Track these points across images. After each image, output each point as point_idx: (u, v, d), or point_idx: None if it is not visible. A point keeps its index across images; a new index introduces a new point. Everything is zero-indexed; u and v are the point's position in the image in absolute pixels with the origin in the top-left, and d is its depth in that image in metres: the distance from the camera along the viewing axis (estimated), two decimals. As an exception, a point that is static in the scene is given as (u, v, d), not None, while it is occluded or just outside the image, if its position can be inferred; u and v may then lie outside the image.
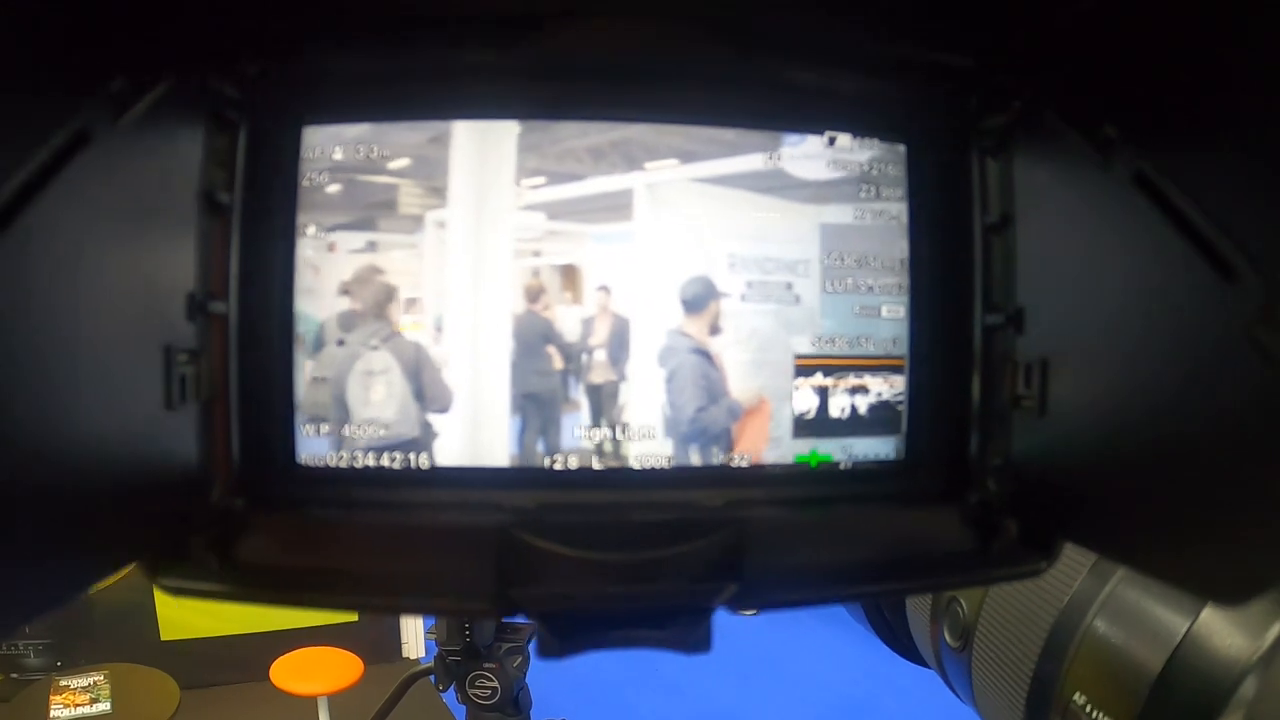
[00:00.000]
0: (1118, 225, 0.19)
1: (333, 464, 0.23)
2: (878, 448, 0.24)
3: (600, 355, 0.23)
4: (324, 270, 0.22)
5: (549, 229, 0.22)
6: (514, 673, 0.44)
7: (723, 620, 0.20)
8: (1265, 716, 0.27)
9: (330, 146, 0.22)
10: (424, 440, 0.22)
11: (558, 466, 0.22)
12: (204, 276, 0.21)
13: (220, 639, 2.15)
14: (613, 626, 0.20)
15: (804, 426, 0.24)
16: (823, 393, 0.23)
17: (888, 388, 0.24)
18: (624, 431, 0.23)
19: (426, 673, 0.49)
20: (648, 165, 0.23)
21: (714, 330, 0.23)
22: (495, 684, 0.42)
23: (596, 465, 0.23)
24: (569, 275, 0.22)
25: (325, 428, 0.22)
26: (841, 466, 0.24)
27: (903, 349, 0.24)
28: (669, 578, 0.20)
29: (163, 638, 2.16)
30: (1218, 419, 0.17)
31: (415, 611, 0.33)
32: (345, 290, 0.22)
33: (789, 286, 0.23)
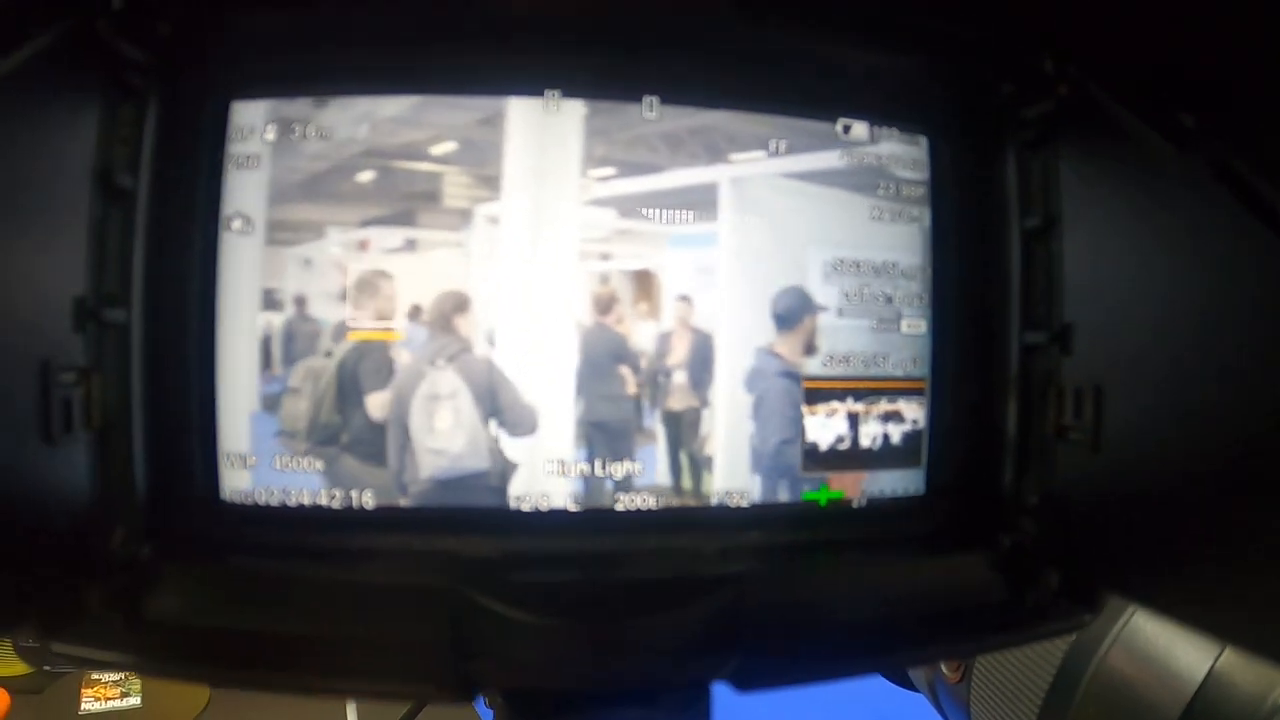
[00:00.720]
0: (1193, 225, 0.16)
1: (262, 502, 0.19)
2: (895, 483, 0.21)
3: (680, 377, 0.19)
4: (352, 270, 0.19)
5: (619, 228, 0.19)
6: None
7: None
8: None
9: (353, 124, 0.19)
10: (497, 472, 0.19)
11: (620, 507, 0.19)
12: (97, 278, 0.17)
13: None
14: (593, 707, 0.17)
15: (813, 459, 0.21)
16: (853, 420, 0.20)
17: (907, 413, 0.21)
18: (707, 466, 0.19)
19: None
20: (733, 157, 0.19)
21: (809, 350, 0.20)
22: None
23: (675, 504, 0.19)
24: (643, 282, 0.19)
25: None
26: (854, 504, 0.21)
27: (924, 369, 0.21)
28: (661, 651, 0.17)
29: None
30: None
31: (356, 697, 0.28)
32: (413, 307, 0.19)
33: (888, 299, 0.20)
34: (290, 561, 0.19)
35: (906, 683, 0.45)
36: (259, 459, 0.19)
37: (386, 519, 0.19)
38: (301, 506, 0.19)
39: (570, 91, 0.19)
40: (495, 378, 0.19)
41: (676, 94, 0.19)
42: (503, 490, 0.19)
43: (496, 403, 0.19)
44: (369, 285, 0.19)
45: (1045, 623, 0.19)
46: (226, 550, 0.19)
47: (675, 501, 0.20)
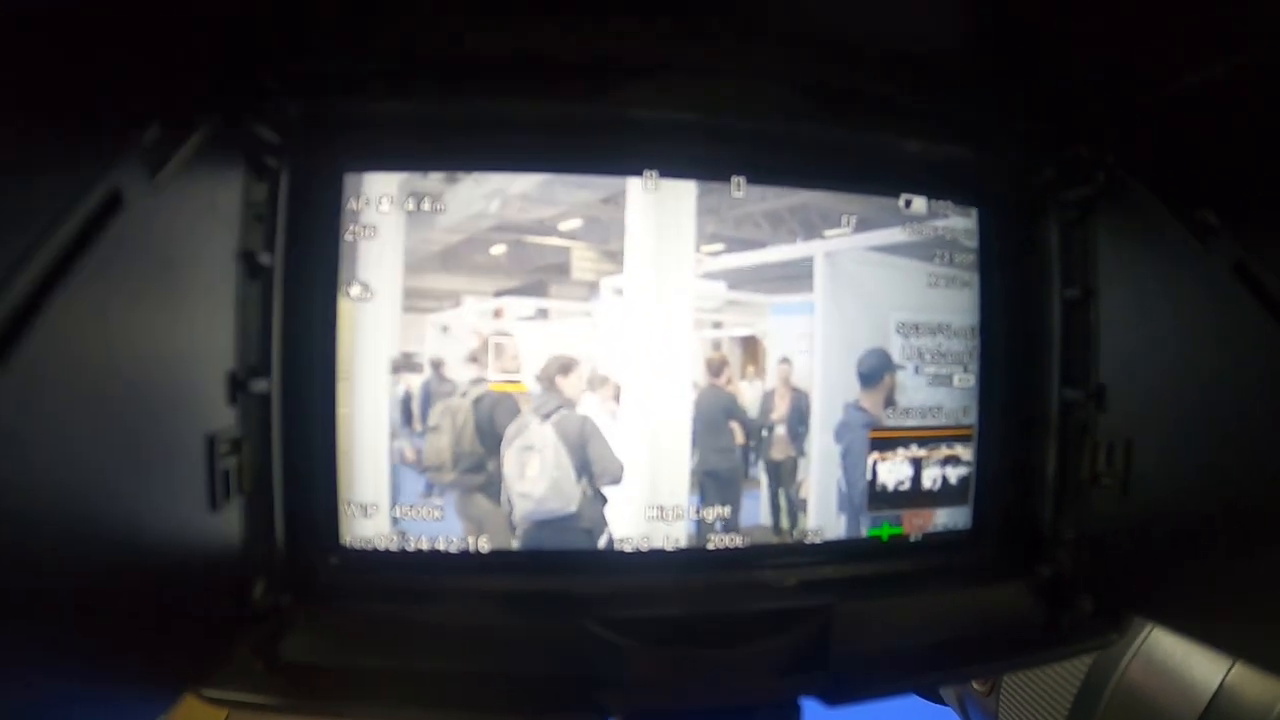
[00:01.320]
0: (1211, 309, 0.19)
1: (383, 548, 0.21)
2: (945, 518, 0.24)
3: (781, 430, 0.22)
4: (487, 335, 0.20)
5: (729, 298, 0.21)
6: None
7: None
8: None
9: (484, 201, 0.20)
10: (587, 515, 0.21)
11: (712, 545, 0.21)
12: (245, 351, 0.19)
13: None
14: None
15: (877, 498, 0.23)
16: (914, 466, 0.23)
17: (958, 456, 0.24)
18: (802, 508, 0.22)
19: None
20: (826, 233, 0.22)
21: (889, 404, 0.22)
22: None
23: (774, 540, 0.22)
24: (750, 348, 0.21)
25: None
26: (911, 539, 0.24)
27: (972, 418, 0.24)
28: (759, 672, 0.20)
29: None
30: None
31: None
32: (543, 371, 0.21)
33: (942, 355, 0.23)
34: (413, 603, 0.21)
35: (936, 697, 0.49)
36: (382, 508, 0.21)
37: (499, 562, 0.21)
38: (420, 551, 0.21)
39: (666, 172, 0.21)
40: (589, 433, 0.21)
41: (759, 175, 0.22)
42: (596, 532, 0.21)
43: (586, 455, 0.21)
44: (501, 349, 0.20)
45: (1078, 642, 0.23)
46: (354, 595, 0.21)
47: (773, 539, 0.22)
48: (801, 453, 0.22)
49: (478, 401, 0.20)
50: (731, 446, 0.22)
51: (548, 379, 0.21)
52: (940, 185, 0.23)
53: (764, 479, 0.22)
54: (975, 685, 0.39)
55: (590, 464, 0.21)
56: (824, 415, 0.22)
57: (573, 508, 0.21)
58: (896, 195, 0.23)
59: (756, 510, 0.22)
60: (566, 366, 0.21)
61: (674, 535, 0.22)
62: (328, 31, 0.19)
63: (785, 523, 0.22)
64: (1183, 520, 0.21)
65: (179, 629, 0.17)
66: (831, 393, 0.22)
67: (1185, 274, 0.20)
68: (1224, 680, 0.29)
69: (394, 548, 0.21)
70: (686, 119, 0.21)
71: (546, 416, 0.21)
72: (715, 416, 0.21)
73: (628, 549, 0.22)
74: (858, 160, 0.22)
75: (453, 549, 0.21)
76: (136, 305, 0.16)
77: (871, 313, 0.22)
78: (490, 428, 0.20)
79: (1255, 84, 0.18)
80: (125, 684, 0.16)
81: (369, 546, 0.21)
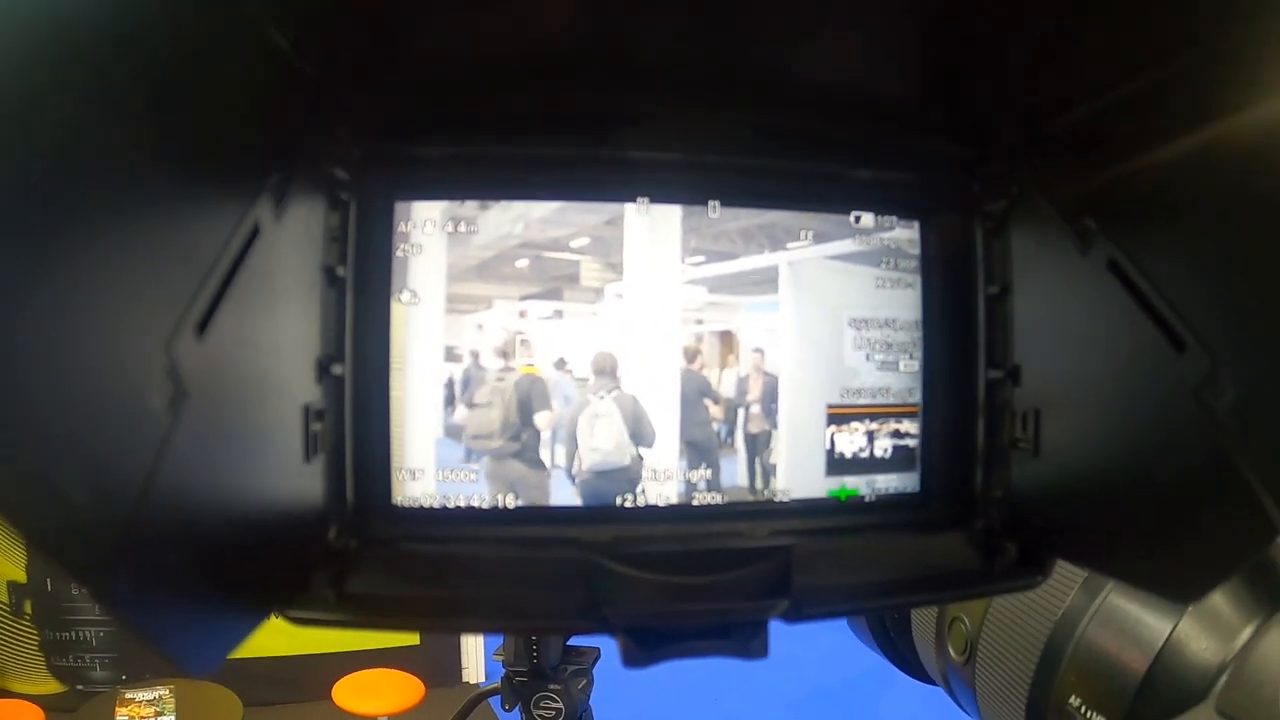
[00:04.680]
0: (1095, 301, 0.26)
1: (428, 505, 0.28)
2: (896, 483, 0.30)
3: (756, 409, 0.28)
4: (513, 331, 0.27)
5: (709, 300, 0.28)
6: (578, 694, 0.48)
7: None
8: (1231, 705, 0.33)
9: (511, 225, 0.28)
10: (634, 469, 0.28)
11: (697, 501, 0.28)
12: (326, 341, 0.26)
13: (283, 658, 2.18)
14: (686, 638, 0.25)
15: (835, 465, 0.30)
16: (868, 438, 0.29)
17: (906, 430, 0.30)
18: (773, 472, 0.29)
19: (492, 693, 0.53)
20: (789, 245, 0.28)
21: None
22: (560, 705, 0.46)
23: (678, 503, 0.28)
24: (727, 340, 0.28)
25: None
26: (866, 499, 0.30)
27: (917, 398, 0.30)
28: (732, 597, 0.26)
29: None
30: (1173, 458, 0.24)
31: (513, 631, 0.38)
32: (559, 360, 0.28)
33: (889, 346, 0.29)
34: (451, 547, 0.28)
35: (925, 676, 0.54)
36: (428, 472, 0.28)
37: (525, 515, 0.28)
38: (458, 507, 0.28)
39: (656, 199, 0.28)
40: (636, 407, 0.28)
41: (732, 199, 0.29)
42: (635, 480, 0.28)
43: (637, 423, 0.28)
44: (525, 342, 0.27)
45: (1007, 581, 0.29)
46: (405, 540, 0.27)
47: (746, 498, 0.29)
48: (774, 426, 0.29)
49: (517, 383, 0.27)
50: (707, 420, 0.28)
51: (602, 367, 0.28)
52: (886, 203, 0.30)
53: (742, 448, 0.28)
54: (953, 655, 0.45)
55: (639, 429, 0.28)
56: (790, 395, 0.28)
57: (626, 461, 0.28)
58: (848, 212, 0.30)
59: (735, 473, 0.29)
60: (614, 361, 0.28)
61: (665, 493, 0.28)
62: (388, 93, 0.26)
63: (759, 484, 0.29)
64: (1084, 476, 0.27)
65: (274, 562, 0.24)
66: (796, 376, 0.28)
67: (1075, 271, 0.26)
68: (1170, 634, 0.35)
69: (436, 505, 0.28)
70: (672, 158, 0.28)
71: (608, 393, 0.28)
72: (692, 395, 0.28)
73: (629, 505, 0.28)
74: (815, 186, 0.29)
75: (485, 505, 0.28)
76: (261, 310, 0.23)
77: (827, 311, 0.29)
78: (528, 403, 0.27)
79: (1125, 115, 0.25)
80: (232, 605, 0.22)
81: (416, 504, 0.28)
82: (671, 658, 0.25)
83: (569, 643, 0.52)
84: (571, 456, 0.28)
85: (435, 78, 0.26)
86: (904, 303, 0.30)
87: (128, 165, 0.17)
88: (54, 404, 0.14)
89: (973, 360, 0.29)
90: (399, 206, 0.28)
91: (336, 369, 0.26)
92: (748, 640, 0.26)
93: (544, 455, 0.28)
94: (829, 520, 0.29)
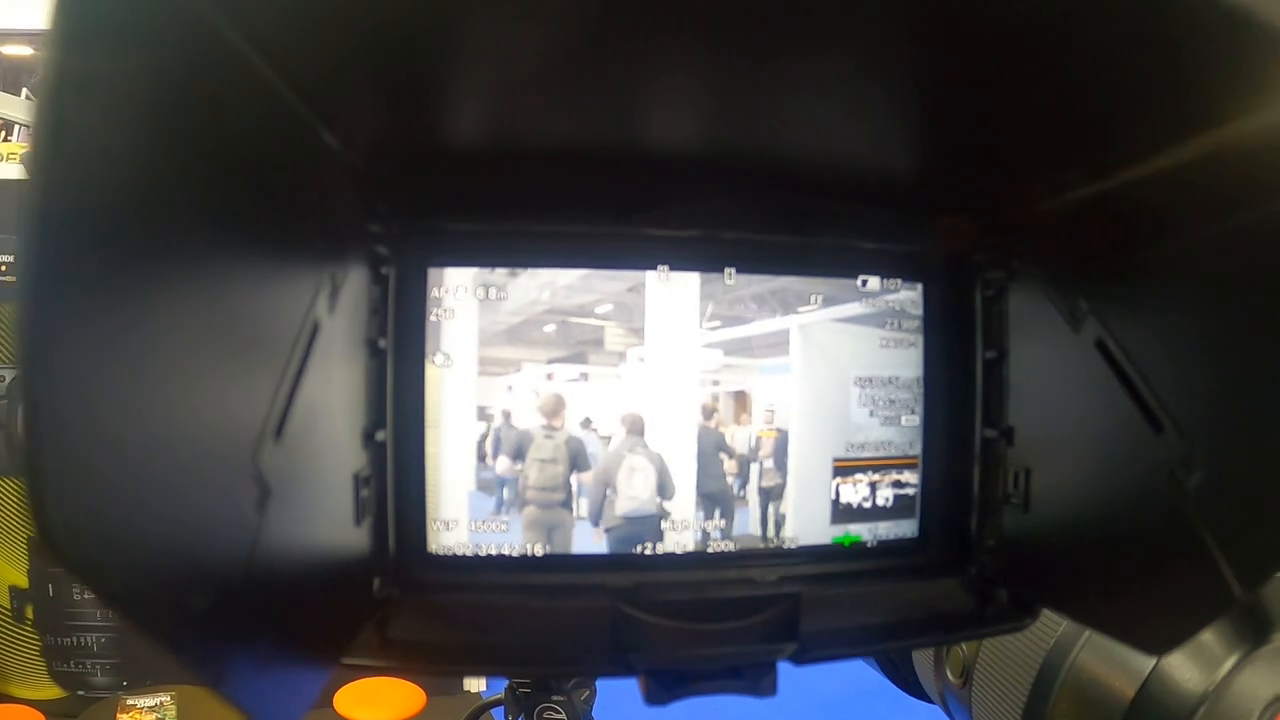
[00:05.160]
0: (1083, 374, 0.29)
1: (461, 553, 0.31)
2: (897, 529, 0.33)
3: (769, 463, 0.32)
4: (542, 393, 0.30)
5: (725, 363, 0.31)
6: (581, 706, 0.51)
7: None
8: None
9: (540, 291, 0.30)
10: (657, 518, 0.31)
11: (711, 549, 0.31)
12: (370, 410, 0.29)
13: None
14: (702, 678, 0.29)
15: (840, 514, 0.33)
16: (870, 488, 0.33)
17: (906, 481, 0.33)
18: (783, 522, 0.32)
19: (495, 704, 0.57)
20: (799, 310, 0.31)
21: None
22: (563, 716, 0.49)
23: (694, 550, 0.31)
24: (741, 400, 0.31)
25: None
26: (869, 545, 0.33)
27: (918, 450, 0.33)
28: (744, 641, 0.29)
29: None
30: (1147, 525, 0.27)
31: (543, 675, 0.42)
32: (585, 419, 0.31)
33: (892, 402, 0.32)
34: (484, 595, 0.31)
35: (923, 695, 0.58)
36: (461, 523, 0.31)
37: (553, 563, 0.31)
38: (489, 556, 0.31)
39: (675, 267, 0.31)
40: (661, 462, 0.31)
41: (746, 268, 0.31)
42: (661, 526, 0.31)
43: (662, 476, 0.31)
44: (554, 403, 0.30)
45: (998, 624, 0.32)
46: (440, 589, 0.30)
47: (758, 545, 0.32)
48: (784, 479, 0.32)
49: (568, 441, 0.30)
50: (722, 474, 0.31)
51: (633, 426, 0.31)
52: (891, 268, 0.33)
53: (755, 500, 0.32)
54: (951, 678, 0.48)
55: (664, 482, 0.31)
56: (799, 450, 0.31)
57: (653, 509, 0.31)
58: (856, 277, 0.32)
59: (747, 522, 0.32)
60: (642, 421, 0.31)
61: (683, 541, 0.32)
62: (424, 176, 0.29)
63: (770, 532, 0.32)
64: (1067, 533, 0.30)
65: (333, 616, 0.27)
66: (805, 433, 0.31)
67: (1066, 344, 0.29)
68: (1155, 665, 0.39)
69: (469, 553, 0.31)
70: (690, 234, 0.30)
71: (641, 450, 0.31)
72: (709, 451, 0.31)
73: (649, 553, 0.31)
74: (824, 255, 0.32)
75: (515, 553, 0.31)
76: (320, 396, 0.25)
77: (835, 370, 0.32)
78: (578, 461, 0.30)
79: (1119, 204, 0.28)
80: (302, 660, 0.25)
81: (450, 552, 0.31)
82: (689, 696, 0.29)
83: None
84: (600, 506, 0.31)
85: (467, 164, 0.28)
86: (907, 361, 0.33)
87: (207, 274, 0.19)
88: (160, 501, 0.17)
89: (970, 418, 0.32)
90: (432, 273, 0.31)
91: (380, 435, 0.29)
92: (758, 680, 0.29)
93: (578, 506, 0.31)
94: (834, 565, 0.32)
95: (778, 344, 0.32)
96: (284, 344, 0.23)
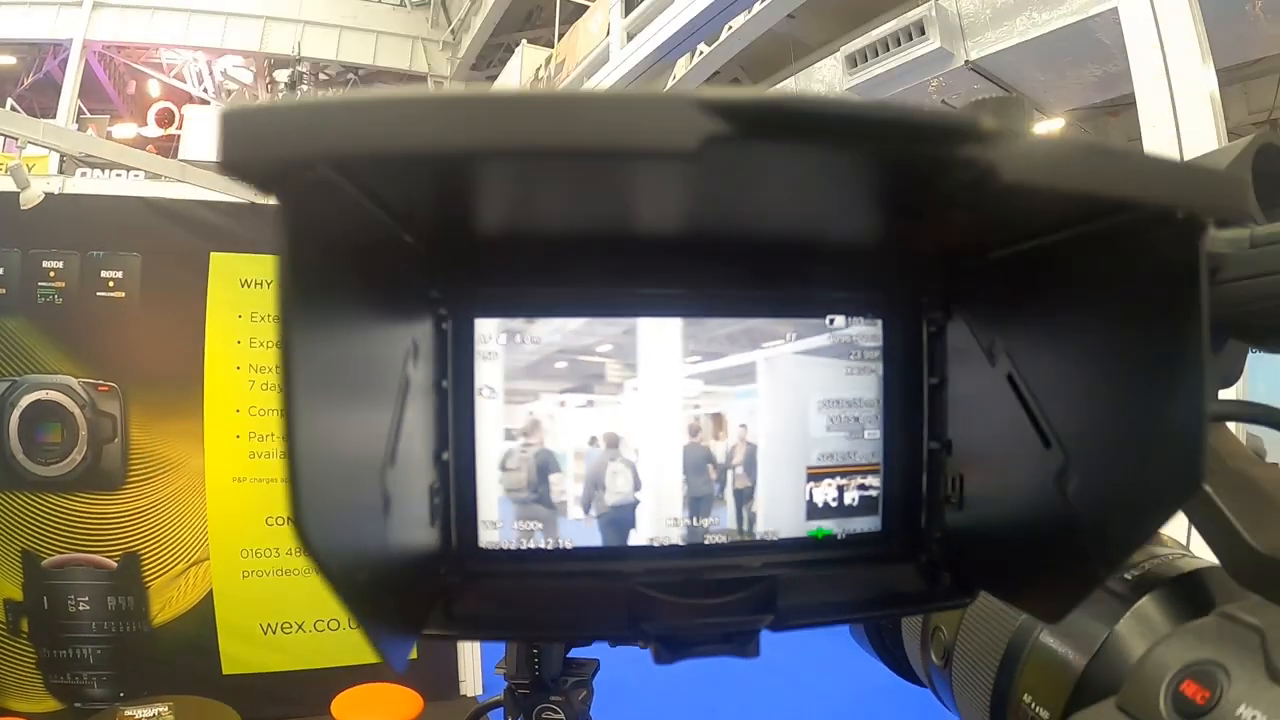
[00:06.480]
0: (998, 400, 0.39)
1: (504, 547, 0.43)
2: (862, 524, 0.44)
3: (740, 470, 0.43)
4: (558, 419, 0.42)
5: (704, 390, 0.42)
6: (579, 706, 0.61)
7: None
8: (1128, 702, 0.46)
9: (553, 336, 0.42)
10: (635, 508, 0.43)
11: (707, 541, 0.43)
12: (438, 439, 0.40)
13: (282, 674, 2.40)
14: (700, 643, 0.40)
15: (813, 511, 0.44)
16: (839, 490, 0.44)
17: (870, 484, 0.44)
18: (754, 519, 0.43)
19: (494, 706, 0.67)
20: (765, 345, 0.43)
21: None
22: (561, 716, 0.59)
23: (692, 542, 0.43)
24: (718, 420, 0.43)
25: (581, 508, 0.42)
26: (838, 537, 0.44)
27: (879, 459, 0.44)
28: (732, 613, 0.41)
29: (224, 672, 2.40)
30: (1042, 521, 0.38)
31: (574, 640, 0.56)
32: (591, 438, 0.42)
33: (857, 419, 0.43)
34: (522, 580, 0.42)
35: (914, 678, 0.70)
36: (501, 524, 0.42)
37: (576, 554, 0.43)
38: (525, 549, 0.43)
39: (662, 315, 0.42)
40: (635, 469, 0.42)
41: (722, 313, 0.42)
42: (634, 515, 0.42)
43: (636, 476, 0.42)
44: (565, 424, 0.42)
45: (944, 601, 0.43)
46: (488, 577, 0.42)
47: (737, 538, 0.43)
48: (754, 483, 0.43)
49: (537, 454, 0.42)
50: (708, 480, 0.43)
51: (611, 442, 0.42)
52: (855, 309, 0.44)
53: (730, 500, 0.43)
54: (935, 659, 0.60)
55: (637, 481, 0.43)
56: (768, 459, 0.43)
57: (631, 500, 0.42)
58: (824, 317, 0.43)
59: (725, 518, 0.43)
60: (618, 437, 0.42)
61: (680, 535, 0.43)
62: (471, 252, 0.40)
63: (745, 526, 0.43)
64: (989, 526, 0.41)
65: (416, 595, 0.39)
66: (774, 445, 0.43)
67: (986, 375, 0.40)
68: (1106, 638, 0.49)
69: (510, 547, 0.43)
70: (675, 291, 0.41)
71: (618, 459, 0.42)
72: (694, 461, 0.42)
73: (655, 545, 0.43)
74: (797, 303, 0.43)
75: (547, 546, 0.43)
76: (406, 430, 0.37)
77: (798, 394, 0.43)
78: (599, 475, 0.42)
79: (1028, 265, 0.38)
80: (404, 626, 0.37)
81: (496, 547, 0.43)
82: (690, 658, 0.40)
83: (568, 655, 0.65)
84: (591, 500, 0.42)
85: (498, 245, 0.40)
86: (868, 386, 0.44)
87: (353, 338, 0.31)
88: (343, 508, 0.29)
89: (918, 433, 0.43)
90: (477, 323, 0.42)
91: (445, 455, 0.41)
92: (745, 644, 0.40)
93: (583, 499, 0.42)
94: (808, 554, 0.44)
95: (746, 374, 0.43)
96: (392, 391, 0.34)
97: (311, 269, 0.24)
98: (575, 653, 0.65)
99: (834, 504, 0.44)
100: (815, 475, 0.44)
